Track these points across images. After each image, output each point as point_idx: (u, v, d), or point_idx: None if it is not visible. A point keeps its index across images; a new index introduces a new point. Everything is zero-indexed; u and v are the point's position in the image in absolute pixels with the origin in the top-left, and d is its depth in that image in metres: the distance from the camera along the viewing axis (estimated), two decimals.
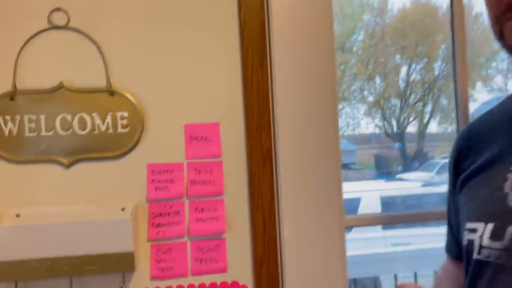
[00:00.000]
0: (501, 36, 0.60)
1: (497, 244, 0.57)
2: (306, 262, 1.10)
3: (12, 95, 0.99)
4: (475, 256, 0.60)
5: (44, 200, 1.02)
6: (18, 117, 1.00)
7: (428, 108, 7.52)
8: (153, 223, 1.05)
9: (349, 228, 1.14)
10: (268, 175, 1.08)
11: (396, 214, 1.21)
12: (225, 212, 1.08)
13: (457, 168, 0.70)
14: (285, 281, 1.08)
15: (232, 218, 1.08)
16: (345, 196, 1.12)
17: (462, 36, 1.23)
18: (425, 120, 7.59)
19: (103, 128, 1.03)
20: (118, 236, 0.97)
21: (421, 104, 7.55)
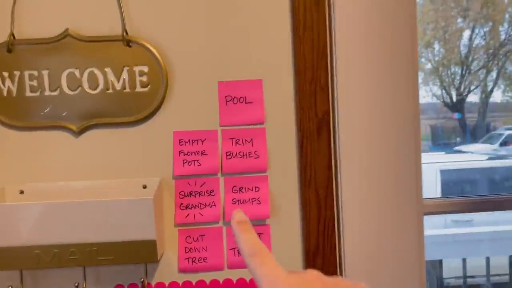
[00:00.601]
0: None
1: None
2: (372, 257, 0.87)
3: (9, 46, 0.81)
4: None
5: (51, 174, 0.84)
6: (17, 74, 0.82)
7: (492, 76, 6.99)
8: (181, 204, 0.86)
9: (427, 213, 0.90)
10: (324, 145, 0.85)
11: (488, 198, 0.94)
12: (269, 192, 0.86)
13: None
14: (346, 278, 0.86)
15: (278, 199, 0.86)
16: None
17: None
18: (489, 89, 7.06)
19: (118, 87, 0.83)
20: (137, 220, 0.78)
21: (485, 71, 7.01)
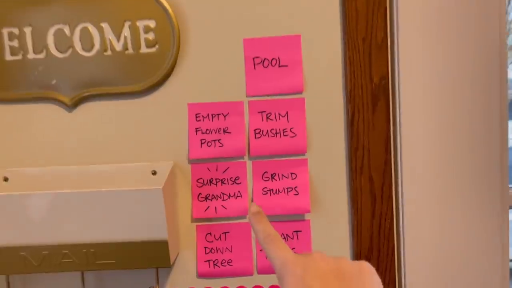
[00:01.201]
0: None
1: None
2: (440, 262, 0.69)
3: None
4: None
5: (39, 157, 0.68)
6: None
7: None
8: (199, 195, 0.69)
9: None
10: (380, 120, 0.66)
11: None
12: (310, 180, 0.68)
13: None
14: None
15: (321, 189, 0.68)
16: None
17: None
18: None
19: (118, 47, 0.65)
20: (144, 214, 0.62)
21: None
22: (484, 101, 0.66)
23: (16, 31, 0.65)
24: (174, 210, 0.68)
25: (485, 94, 0.66)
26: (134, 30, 0.65)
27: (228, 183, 0.68)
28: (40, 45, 0.65)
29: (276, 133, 0.67)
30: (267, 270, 0.70)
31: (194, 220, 0.69)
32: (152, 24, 0.65)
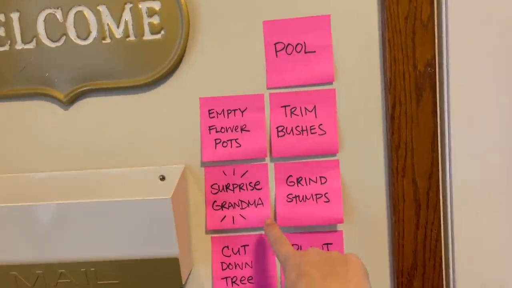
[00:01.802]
0: None
1: None
2: (498, 280, 0.59)
3: None
4: None
5: (31, 161, 0.60)
6: None
7: None
8: (214, 203, 0.60)
9: None
10: (426, 113, 0.56)
11: None
12: (342, 185, 0.58)
13: None
14: None
15: (355, 196, 0.59)
16: None
17: None
18: None
19: (118, 34, 0.56)
20: (152, 228, 0.53)
21: None
22: None
23: (1, 17, 0.57)
24: (185, 221, 0.59)
25: None
26: (136, 14, 0.56)
27: (247, 189, 0.59)
28: (29, 33, 0.57)
29: (302, 130, 0.58)
30: None
31: (209, 231, 0.60)
32: (157, 6, 0.56)
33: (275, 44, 0.57)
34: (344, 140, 0.58)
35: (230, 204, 0.60)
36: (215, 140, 0.58)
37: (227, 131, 0.58)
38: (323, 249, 0.60)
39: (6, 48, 0.57)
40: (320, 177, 0.59)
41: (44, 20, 0.56)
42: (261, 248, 0.60)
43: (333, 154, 0.58)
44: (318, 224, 0.59)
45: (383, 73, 0.56)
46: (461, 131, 0.57)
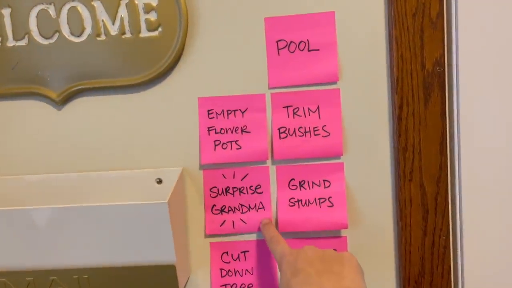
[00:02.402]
0: None
1: None
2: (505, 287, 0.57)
3: None
4: None
5: (22, 163, 0.58)
6: None
7: None
8: (213, 207, 0.57)
9: None
10: (434, 114, 0.54)
11: None
12: (347, 189, 0.56)
13: None
14: None
15: (360, 200, 0.56)
16: None
17: None
18: None
19: (113, 31, 0.54)
20: (148, 233, 0.51)
21: None
22: None
23: None
24: (183, 226, 0.57)
25: None
26: (132, 10, 0.53)
27: (247, 193, 0.57)
28: (21, 30, 0.55)
29: (305, 132, 0.56)
30: None
31: (208, 236, 0.58)
32: (154, 2, 0.53)
33: (277, 42, 0.54)
34: (349, 142, 0.56)
35: (230, 208, 0.57)
36: (215, 141, 0.56)
37: (226, 132, 0.56)
38: None
39: None
40: (324, 180, 0.56)
41: (37, 16, 0.54)
42: (262, 254, 0.58)
43: (337, 156, 0.56)
44: (321, 229, 0.56)
45: (389, 72, 0.54)
46: (471, 133, 0.54)
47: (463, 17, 0.52)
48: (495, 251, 0.56)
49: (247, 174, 0.57)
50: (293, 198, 0.56)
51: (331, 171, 0.56)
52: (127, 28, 0.54)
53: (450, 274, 0.56)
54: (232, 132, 0.56)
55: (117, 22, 0.54)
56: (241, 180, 0.57)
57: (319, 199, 0.56)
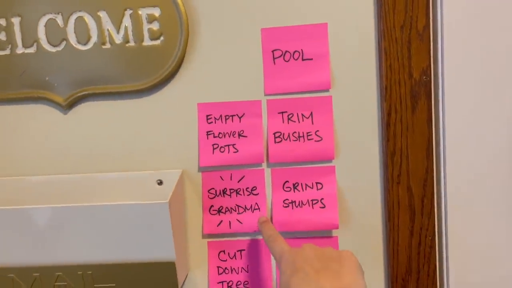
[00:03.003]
0: None
1: None
2: (489, 286, 0.60)
3: None
4: None
5: (30, 164, 0.61)
6: None
7: None
8: (211, 207, 0.60)
9: None
10: (421, 120, 0.57)
11: None
12: (338, 191, 0.59)
13: None
14: None
15: (351, 202, 0.59)
16: None
17: None
18: None
19: (118, 39, 0.57)
20: (149, 231, 0.54)
21: None
22: None
23: (3, 22, 0.57)
24: (182, 225, 0.60)
25: None
26: (136, 20, 0.56)
27: (243, 194, 0.60)
28: (30, 37, 0.58)
29: (299, 136, 0.59)
30: None
31: (206, 236, 0.61)
32: (156, 12, 0.56)
33: (272, 51, 0.57)
34: (340, 146, 0.59)
35: (227, 209, 0.60)
36: (213, 145, 0.59)
37: (224, 136, 0.59)
38: None
39: (7, 52, 0.58)
40: (316, 183, 0.59)
41: (45, 25, 0.57)
42: (257, 253, 0.61)
43: (329, 160, 0.59)
44: (313, 229, 0.59)
45: (379, 81, 0.57)
46: (456, 139, 0.57)
47: (448, 30, 0.56)
48: (478, 251, 0.59)
49: (244, 176, 0.60)
50: (287, 199, 0.59)
51: (323, 174, 0.59)
52: (131, 37, 0.57)
53: (436, 273, 0.59)
54: (229, 136, 0.59)
55: (122, 31, 0.57)
56: (238, 182, 0.60)
57: (312, 200, 0.59)
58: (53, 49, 0.58)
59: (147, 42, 0.57)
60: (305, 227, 0.59)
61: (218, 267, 0.61)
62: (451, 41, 0.56)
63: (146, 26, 0.57)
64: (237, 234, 0.61)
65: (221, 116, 0.59)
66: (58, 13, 0.57)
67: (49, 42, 0.58)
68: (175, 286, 0.56)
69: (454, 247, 0.59)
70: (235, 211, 0.60)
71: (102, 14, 0.57)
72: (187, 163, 0.60)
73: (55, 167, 0.60)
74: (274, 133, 0.59)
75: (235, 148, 0.59)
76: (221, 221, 0.60)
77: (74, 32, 0.57)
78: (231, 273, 0.61)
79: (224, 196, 0.60)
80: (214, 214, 0.60)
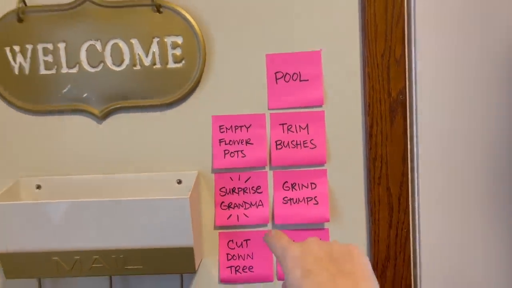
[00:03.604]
0: None
1: None
2: (457, 273, 0.71)
3: (20, 15, 0.68)
4: None
5: (70, 166, 0.72)
6: (29, 47, 0.69)
7: None
8: (222, 203, 0.72)
9: None
10: (398, 133, 0.68)
11: None
12: (329, 190, 0.70)
13: None
14: None
15: (340, 199, 0.71)
16: None
17: None
18: None
19: (147, 62, 0.68)
20: (171, 222, 0.65)
21: None
22: (506, 113, 0.68)
23: (50, 46, 0.69)
24: (198, 218, 0.71)
25: (508, 106, 0.68)
26: (162, 46, 0.68)
27: (249, 192, 0.71)
28: (73, 60, 0.69)
29: (296, 144, 0.70)
30: None
31: (217, 227, 0.72)
32: (179, 40, 0.68)
33: (275, 73, 0.69)
34: (331, 153, 0.70)
35: (235, 205, 0.71)
36: (224, 151, 0.70)
37: (234, 143, 0.70)
38: None
39: (53, 71, 0.69)
40: (311, 183, 0.70)
41: (86, 50, 0.69)
42: (260, 242, 0.72)
43: (322, 164, 0.70)
44: (308, 222, 0.70)
45: (363, 99, 0.69)
46: (428, 147, 0.69)
47: (421, 57, 0.67)
48: (447, 241, 0.71)
49: (250, 177, 0.71)
50: (286, 197, 0.71)
51: (317, 176, 0.70)
52: (157, 60, 0.68)
53: (410, 259, 0.70)
54: (238, 144, 0.70)
55: (150, 56, 0.68)
56: (245, 182, 0.71)
57: (307, 198, 0.70)
58: (92, 70, 0.69)
59: (171, 64, 0.68)
60: (301, 220, 0.70)
61: (227, 254, 0.72)
62: (423, 66, 0.68)
63: (170, 52, 0.68)
64: (244, 226, 0.72)
65: (231, 126, 0.70)
66: (97, 40, 0.68)
67: (89, 64, 0.69)
68: (192, 268, 0.67)
69: (425, 238, 0.70)
70: (242, 206, 0.71)
71: (134, 41, 0.68)
72: (202, 166, 0.71)
73: (91, 168, 0.71)
74: (276, 141, 0.70)
75: (243, 154, 0.70)
76: (231, 215, 0.72)
77: (110, 55, 0.69)
78: (238, 259, 0.72)
79: (233, 194, 0.71)
80: (224, 209, 0.72)
